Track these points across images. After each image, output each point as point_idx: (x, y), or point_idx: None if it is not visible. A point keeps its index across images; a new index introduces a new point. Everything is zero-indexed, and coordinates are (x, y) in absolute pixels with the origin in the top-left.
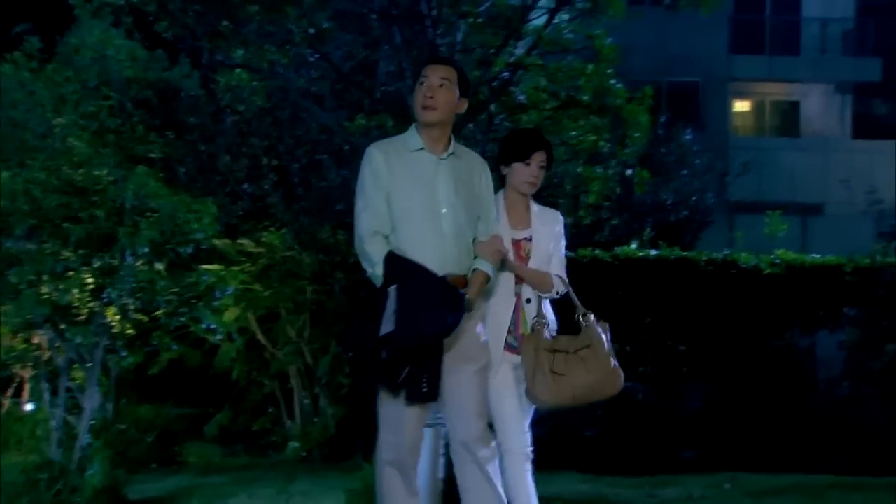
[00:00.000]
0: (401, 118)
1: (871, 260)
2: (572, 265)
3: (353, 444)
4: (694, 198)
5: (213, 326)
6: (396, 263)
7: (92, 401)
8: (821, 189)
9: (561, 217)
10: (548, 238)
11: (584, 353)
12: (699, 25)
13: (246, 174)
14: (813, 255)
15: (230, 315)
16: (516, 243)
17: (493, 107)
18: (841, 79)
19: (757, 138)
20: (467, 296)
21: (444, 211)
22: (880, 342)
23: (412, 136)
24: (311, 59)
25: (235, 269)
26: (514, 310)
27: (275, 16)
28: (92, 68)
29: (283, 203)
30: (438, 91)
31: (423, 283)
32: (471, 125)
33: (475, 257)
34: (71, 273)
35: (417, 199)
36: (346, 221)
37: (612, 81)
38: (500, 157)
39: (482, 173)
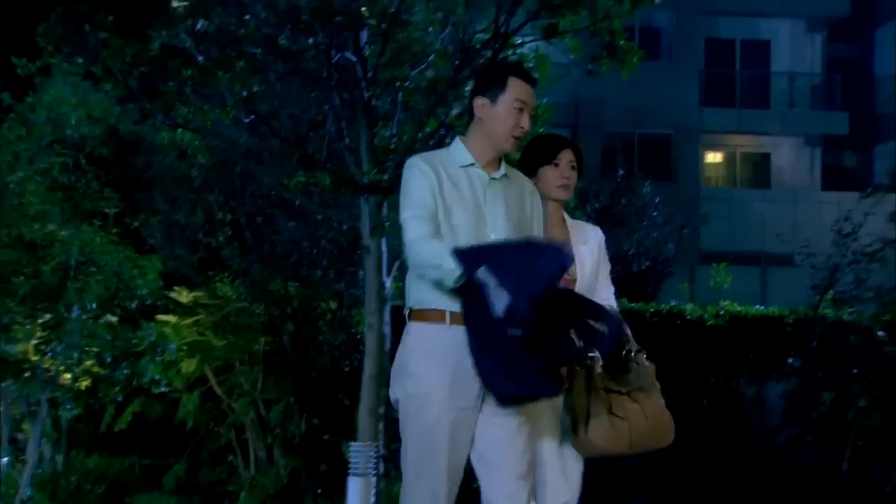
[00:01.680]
0: (339, 176)
1: (809, 312)
2: None
3: (304, 494)
4: (653, 250)
5: (157, 378)
6: (470, 251)
7: (34, 453)
8: (790, 240)
9: (601, 232)
10: (591, 256)
11: (637, 396)
12: (671, 79)
13: (202, 226)
14: (757, 307)
15: (187, 366)
16: None
17: None
18: (809, 132)
19: (728, 189)
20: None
21: (492, 236)
22: (817, 391)
23: (460, 151)
24: (246, 120)
25: (189, 320)
26: None
27: (207, 79)
28: (45, 126)
29: (237, 255)
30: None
31: (509, 249)
32: None
33: None
34: (16, 327)
35: (464, 219)
36: (298, 274)
37: None
38: (524, 168)
39: (533, 197)
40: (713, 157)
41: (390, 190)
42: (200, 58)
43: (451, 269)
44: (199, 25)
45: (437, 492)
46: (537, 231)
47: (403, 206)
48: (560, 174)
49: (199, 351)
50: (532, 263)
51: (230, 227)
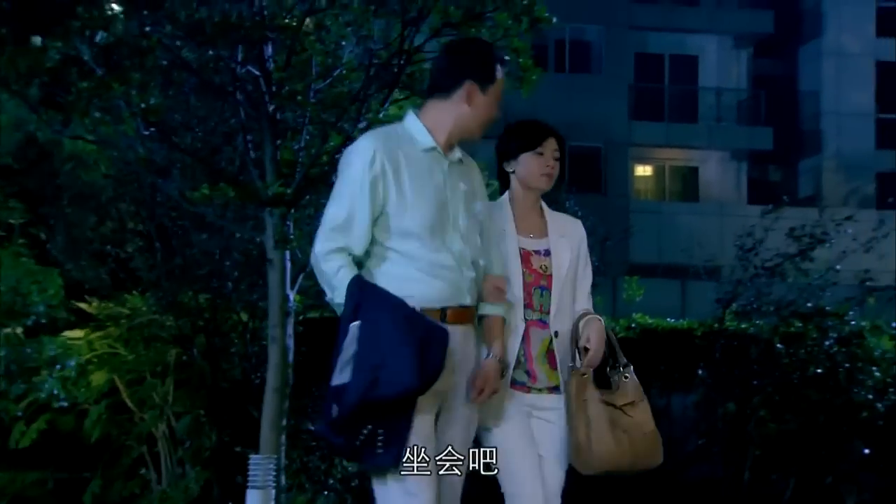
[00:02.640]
0: (243, 189)
1: (714, 324)
2: None
3: None
4: None
5: (56, 392)
6: (364, 291)
7: None
8: (717, 253)
9: (582, 228)
10: (571, 251)
11: (632, 411)
12: (600, 92)
13: (111, 237)
14: (668, 320)
15: (98, 378)
16: (526, 255)
17: (334, 177)
18: (735, 146)
19: (658, 202)
20: (495, 355)
21: (455, 238)
22: (722, 402)
23: (420, 132)
24: (146, 133)
25: (99, 333)
26: (524, 338)
27: (103, 91)
28: None
29: (147, 266)
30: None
31: (397, 321)
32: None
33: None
34: None
35: (427, 216)
36: (209, 285)
37: None
38: (504, 152)
39: (481, 179)
40: (643, 171)
41: (295, 203)
42: (99, 70)
43: (338, 305)
44: (98, 37)
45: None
46: (489, 226)
47: (334, 198)
48: (544, 163)
49: (108, 364)
50: (399, 360)
51: (140, 239)
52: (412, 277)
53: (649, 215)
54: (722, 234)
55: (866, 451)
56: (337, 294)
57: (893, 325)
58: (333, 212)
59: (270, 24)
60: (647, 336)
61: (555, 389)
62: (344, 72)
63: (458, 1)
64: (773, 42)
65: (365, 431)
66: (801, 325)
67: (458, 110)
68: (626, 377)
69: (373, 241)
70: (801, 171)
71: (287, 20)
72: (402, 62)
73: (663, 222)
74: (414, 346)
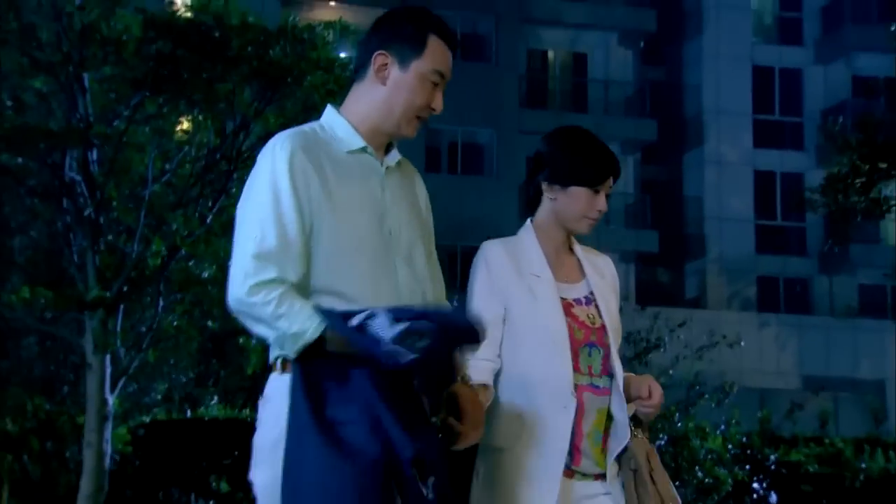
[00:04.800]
0: (61, 293)
1: None
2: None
3: None
4: None
5: None
6: (337, 313)
7: None
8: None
9: (612, 263)
10: (613, 292)
11: (656, 478)
12: (491, 193)
13: None
14: None
15: None
16: (567, 307)
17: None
18: (623, 248)
19: None
20: (462, 430)
21: (402, 249)
22: None
23: (342, 128)
24: None
25: None
26: (577, 414)
27: None
28: None
29: None
30: None
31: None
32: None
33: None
34: None
35: (362, 228)
36: (43, 389)
37: None
38: (552, 171)
39: (424, 190)
40: None
41: (115, 307)
42: None
43: (293, 335)
44: None
45: None
46: (431, 237)
47: (249, 217)
48: (597, 204)
49: None
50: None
51: None
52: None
53: None
54: None
55: None
56: (284, 321)
57: (722, 428)
58: (256, 234)
59: (93, 133)
60: None
61: (600, 477)
62: (171, 178)
63: (295, 97)
64: (658, 149)
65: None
66: None
67: (372, 93)
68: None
69: None
70: (687, 273)
71: (112, 127)
72: (231, 168)
73: None
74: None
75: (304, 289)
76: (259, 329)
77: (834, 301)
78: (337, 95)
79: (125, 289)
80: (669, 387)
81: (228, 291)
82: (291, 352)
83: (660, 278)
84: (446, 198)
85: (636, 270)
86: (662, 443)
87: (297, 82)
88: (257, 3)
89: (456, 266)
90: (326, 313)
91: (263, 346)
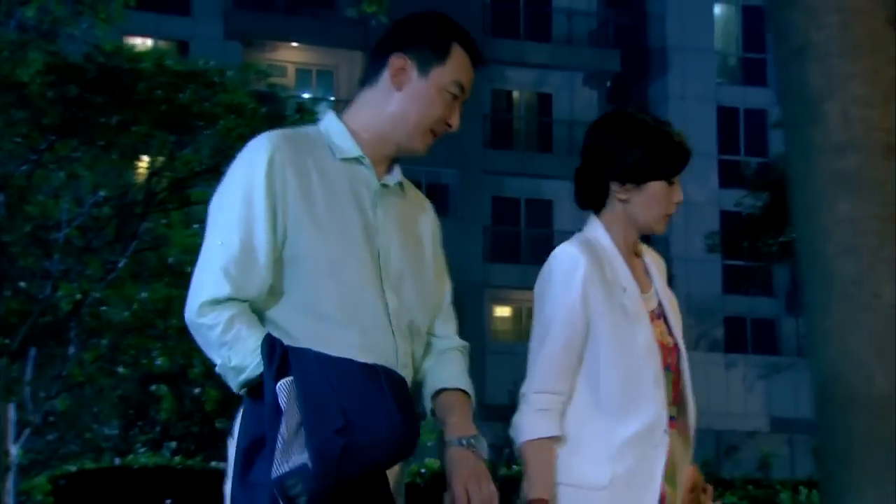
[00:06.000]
0: None
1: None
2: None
3: None
4: None
5: None
6: (285, 347)
7: None
8: None
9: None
10: (672, 299)
11: None
12: (455, 234)
13: None
14: None
15: None
16: (653, 321)
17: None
18: None
19: (514, 343)
20: (465, 441)
21: (391, 274)
22: None
23: (340, 135)
24: None
25: None
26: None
27: None
28: None
29: None
30: None
31: (347, 371)
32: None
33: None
34: None
35: (346, 244)
36: None
37: None
38: (626, 170)
39: (434, 225)
40: (501, 311)
41: (19, 355)
42: None
43: (245, 368)
44: None
45: None
46: (444, 278)
47: (213, 228)
48: (675, 197)
49: None
50: (373, 409)
51: None
52: (322, 340)
53: (505, 356)
54: None
55: None
56: (226, 350)
57: None
58: (221, 242)
59: None
60: (436, 482)
61: None
62: (85, 221)
63: (210, 141)
64: None
65: None
66: None
67: (384, 99)
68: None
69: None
70: None
71: (20, 171)
72: (143, 212)
73: (520, 364)
74: (384, 392)
75: (276, 298)
76: (208, 353)
77: (801, 341)
78: (248, 139)
79: (31, 335)
80: None
81: (186, 306)
82: (235, 386)
83: None
84: None
85: None
86: None
87: (208, 126)
88: (219, 45)
89: None
90: (266, 353)
91: (174, 394)
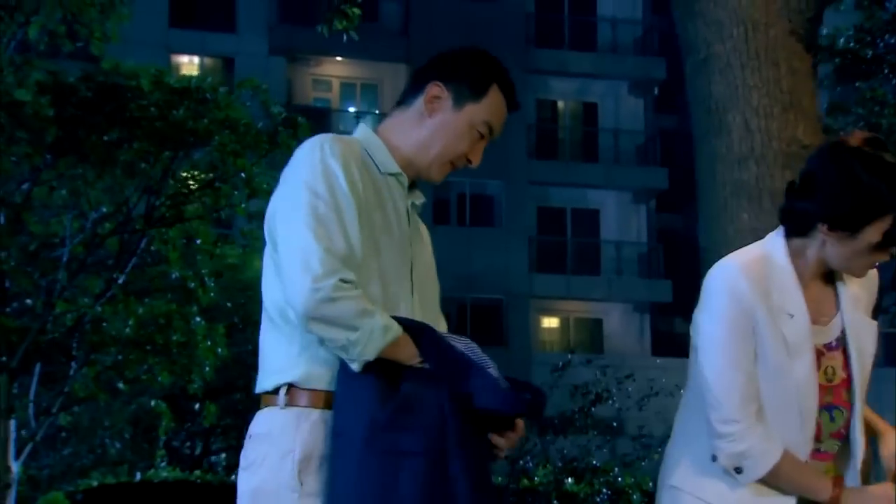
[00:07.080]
0: None
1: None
2: None
3: None
4: None
5: None
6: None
7: None
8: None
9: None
10: (873, 335)
11: None
12: (501, 245)
13: None
14: None
15: None
16: (818, 357)
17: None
18: (636, 299)
19: (563, 354)
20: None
21: (414, 296)
22: None
23: (380, 151)
24: None
25: None
26: None
27: None
28: None
29: None
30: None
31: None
32: None
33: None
34: None
35: (388, 250)
36: None
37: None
38: (839, 218)
39: (427, 234)
40: (549, 322)
41: (19, 373)
42: None
43: (376, 336)
44: None
45: None
46: (437, 297)
47: (301, 223)
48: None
49: None
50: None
51: None
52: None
53: (552, 367)
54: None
55: None
56: (368, 319)
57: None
58: (324, 234)
59: None
60: None
61: None
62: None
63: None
64: (671, 196)
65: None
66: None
67: (415, 123)
68: None
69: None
70: None
71: (19, 189)
72: (143, 228)
73: (568, 375)
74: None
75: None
76: (331, 333)
77: None
78: (241, 156)
79: (31, 352)
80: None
81: (295, 293)
82: (375, 348)
83: (677, 329)
84: (455, 250)
85: (651, 320)
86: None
87: (203, 142)
88: (263, 61)
89: (465, 318)
90: (415, 323)
91: (173, 408)
